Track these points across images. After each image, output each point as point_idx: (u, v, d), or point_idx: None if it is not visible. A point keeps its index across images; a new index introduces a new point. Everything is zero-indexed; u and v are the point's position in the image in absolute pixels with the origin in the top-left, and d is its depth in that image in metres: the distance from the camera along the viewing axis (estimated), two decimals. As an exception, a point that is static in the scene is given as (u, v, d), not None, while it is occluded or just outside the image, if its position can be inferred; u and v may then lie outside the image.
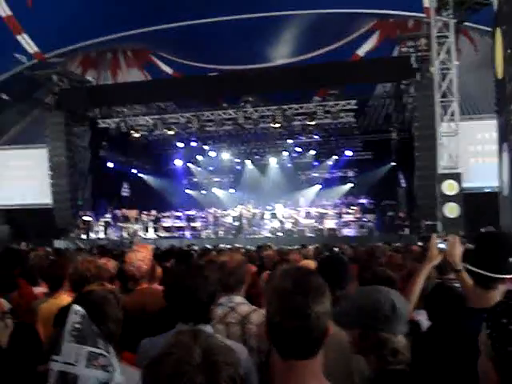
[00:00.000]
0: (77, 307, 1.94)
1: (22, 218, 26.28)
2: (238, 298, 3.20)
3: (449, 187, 18.49)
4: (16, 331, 3.21)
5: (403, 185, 24.83)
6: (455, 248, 3.27)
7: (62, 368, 1.83)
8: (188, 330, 1.45)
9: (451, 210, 18.36)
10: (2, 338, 3.08)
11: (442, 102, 19.08)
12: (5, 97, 25.00)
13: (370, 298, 2.37)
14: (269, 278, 4.72)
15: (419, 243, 14.35)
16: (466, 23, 20.80)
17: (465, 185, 19.01)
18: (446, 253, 3.30)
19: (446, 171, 18.92)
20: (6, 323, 3.16)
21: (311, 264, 4.44)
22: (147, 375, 1.35)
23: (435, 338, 2.57)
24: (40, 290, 5.61)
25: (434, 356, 2.53)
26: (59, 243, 22.32)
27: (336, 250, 11.21)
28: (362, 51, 26.70)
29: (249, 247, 14.72)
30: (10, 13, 24.92)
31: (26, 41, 25.97)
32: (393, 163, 27.11)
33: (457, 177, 18.68)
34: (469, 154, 21.26)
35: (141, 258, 4.43)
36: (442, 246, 3.37)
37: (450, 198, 18.44)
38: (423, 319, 3.52)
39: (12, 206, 26.72)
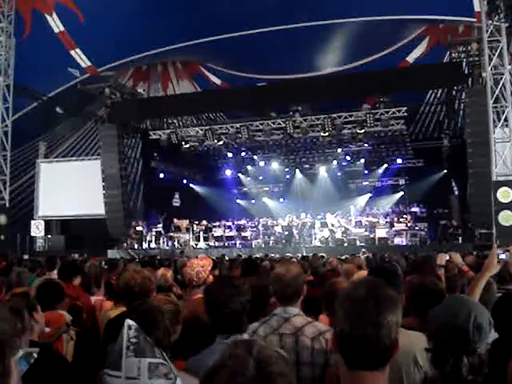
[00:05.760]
0: (129, 321, 1.96)
1: (76, 229, 26.86)
2: (294, 310, 3.18)
3: (503, 194, 18.04)
4: (78, 341, 3.28)
5: (456, 192, 24.38)
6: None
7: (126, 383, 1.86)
8: (242, 340, 1.45)
9: (506, 218, 17.90)
10: (68, 349, 3.15)
11: (495, 107, 18.70)
12: (59, 110, 25.62)
13: (454, 321, 2.33)
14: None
15: (474, 252, 14.00)
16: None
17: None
18: (509, 263, 3.23)
19: (501, 178, 18.49)
20: (71, 335, 3.24)
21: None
22: None
23: (504, 350, 2.51)
24: (96, 298, 5.74)
25: (503, 368, 2.47)
26: (112, 253, 22.70)
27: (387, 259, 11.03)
28: (411, 58, 26.46)
29: (299, 256, 14.66)
30: (63, 29, 25.60)
31: (79, 56, 26.64)
32: (445, 171, 26.64)
33: (512, 184, 18.24)
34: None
35: (202, 264, 4.57)
36: (502, 256, 3.30)
37: (504, 206, 17.99)
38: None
39: (67, 216, 27.32)
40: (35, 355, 2.39)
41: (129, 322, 1.97)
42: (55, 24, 25.59)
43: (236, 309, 2.90)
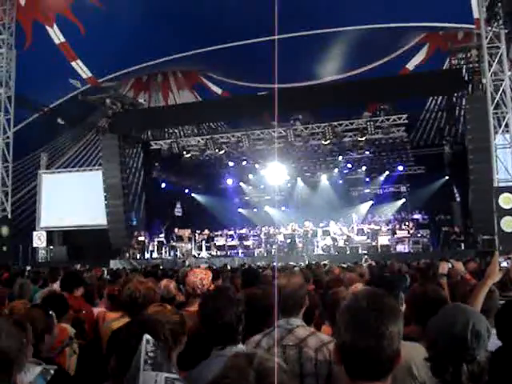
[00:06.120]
0: (147, 336, 1.97)
1: (78, 239, 26.86)
2: (297, 321, 3.17)
3: (505, 200, 18.01)
4: (81, 354, 3.28)
5: (458, 199, 24.36)
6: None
7: None
8: (243, 352, 1.47)
9: (508, 224, 17.86)
10: (71, 362, 3.15)
11: (495, 113, 18.71)
12: (60, 121, 25.69)
13: (453, 330, 2.34)
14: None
15: (476, 259, 13.97)
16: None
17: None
18: (510, 270, 3.23)
19: (502, 184, 18.48)
20: (74, 348, 3.25)
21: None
22: None
23: (507, 358, 2.50)
24: (99, 309, 5.73)
25: (507, 377, 2.46)
26: (115, 263, 22.68)
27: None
28: (411, 65, 26.49)
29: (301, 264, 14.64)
30: (63, 40, 25.68)
31: (79, 67, 26.71)
32: (446, 177, 26.64)
33: (514, 190, 18.22)
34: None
35: (204, 272, 4.59)
36: (504, 263, 3.30)
37: (506, 212, 17.96)
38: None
39: (69, 227, 27.34)
40: (52, 372, 2.39)
41: (147, 336, 1.99)
42: (56, 35, 25.67)
43: (230, 320, 2.92)
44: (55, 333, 3.23)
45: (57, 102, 27.25)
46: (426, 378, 2.67)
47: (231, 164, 29.48)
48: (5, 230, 22.53)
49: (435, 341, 2.40)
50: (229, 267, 13.68)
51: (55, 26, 25.49)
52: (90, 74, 27.17)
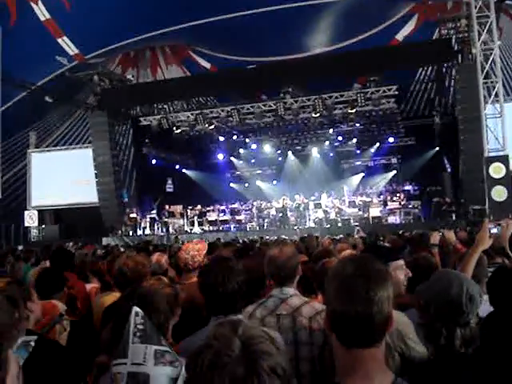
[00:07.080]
0: (136, 308, 1.97)
1: (70, 218, 26.79)
2: (290, 290, 3.18)
3: (495, 170, 18.09)
4: (72, 330, 3.28)
5: (448, 169, 24.41)
6: (509, 232, 3.20)
7: (131, 369, 1.85)
8: (228, 320, 1.44)
9: (499, 194, 17.97)
10: (61, 339, 3.15)
11: (485, 83, 18.69)
12: (48, 99, 25.41)
13: (448, 294, 2.34)
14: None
15: (467, 228, 14.05)
16: (507, 1, 20.30)
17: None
18: (500, 237, 3.24)
19: (493, 154, 18.53)
20: (64, 326, 3.25)
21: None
22: (189, 367, 1.37)
23: (500, 324, 2.52)
24: (92, 286, 5.73)
25: (499, 341, 2.48)
26: (107, 240, 22.67)
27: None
28: (401, 35, 26.37)
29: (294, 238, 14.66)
30: (49, 17, 25.35)
31: (66, 43, 26.40)
32: (437, 148, 26.67)
33: (504, 159, 18.27)
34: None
35: (197, 248, 4.60)
36: (494, 230, 3.31)
37: (497, 181, 18.05)
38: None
39: (60, 205, 27.25)
40: (33, 343, 2.39)
41: (136, 309, 1.98)
42: (41, 12, 25.33)
43: (232, 289, 2.91)
44: (35, 299, 3.23)
45: (44, 80, 26.95)
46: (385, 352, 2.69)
47: (221, 139, 29.42)
48: (-5, 210, 22.47)
49: (428, 306, 2.40)
50: (222, 240, 13.73)
51: (40, 3, 25.13)
52: (76, 51, 26.88)
